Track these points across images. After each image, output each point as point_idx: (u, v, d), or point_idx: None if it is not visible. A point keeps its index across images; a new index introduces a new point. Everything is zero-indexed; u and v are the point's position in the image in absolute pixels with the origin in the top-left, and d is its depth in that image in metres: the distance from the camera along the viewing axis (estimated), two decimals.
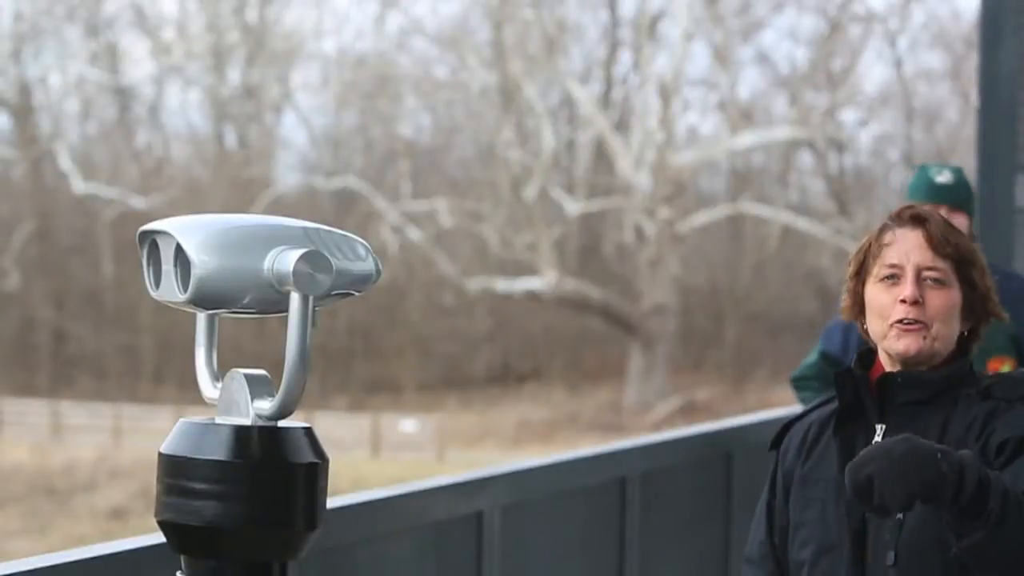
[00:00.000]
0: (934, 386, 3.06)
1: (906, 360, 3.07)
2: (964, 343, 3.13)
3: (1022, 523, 2.78)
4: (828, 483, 3.11)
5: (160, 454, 2.43)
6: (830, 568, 3.08)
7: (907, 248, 3.10)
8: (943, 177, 5.45)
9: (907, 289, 3.07)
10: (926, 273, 3.08)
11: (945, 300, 3.07)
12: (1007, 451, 2.95)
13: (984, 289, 3.12)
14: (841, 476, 3.05)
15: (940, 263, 3.08)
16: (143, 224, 2.51)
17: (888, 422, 3.07)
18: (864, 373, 3.12)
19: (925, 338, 3.06)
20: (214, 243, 2.40)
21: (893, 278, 3.10)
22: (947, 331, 3.08)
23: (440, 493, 4.71)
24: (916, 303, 3.06)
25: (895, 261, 3.10)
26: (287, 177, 46.87)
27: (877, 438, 3.06)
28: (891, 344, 3.08)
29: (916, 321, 3.05)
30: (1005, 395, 3.01)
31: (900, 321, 3.06)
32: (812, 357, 5.90)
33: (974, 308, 3.12)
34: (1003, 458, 2.95)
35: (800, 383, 5.91)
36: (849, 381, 3.11)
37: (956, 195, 5.44)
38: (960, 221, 5.33)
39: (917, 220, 3.12)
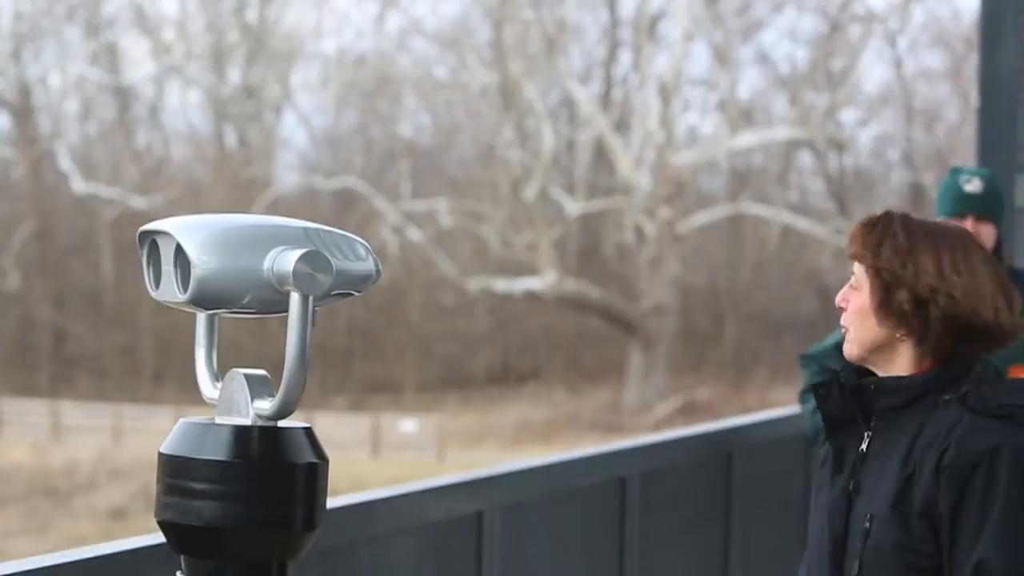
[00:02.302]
0: (908, 392, 2.99)
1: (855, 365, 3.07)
2: (945, 349, 3.01)
3: None
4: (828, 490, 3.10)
5: (160, 454, 2.43)
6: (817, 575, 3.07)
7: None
8: (972, 186, 5.29)
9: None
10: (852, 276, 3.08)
11: (853, 303, 3.04)
12: (954, 481, 2.88)
13: (918, 291, 2.97)
14: (834, 483, 3.04)
15: (854, 265, 3.06)
16: (143, 224, 2.52)
17: (873, 428, 3.04)
18: (852, 380, 3.06)
19: (850, 342, 3.05)
20: (214, 243, 2.40)
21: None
22: (861, 334, 3.01)
23: (440, 493, 4.70)
24: (840, 307, 3.06)
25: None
26: (287, 177, 46.92)
27: (863, 446, 3.04)
28: None
29: (842, 325, 3.06)
30: (976, 405, 2.93)
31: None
32: (829, 341, 5.80)
33: (902, 311, 2.98)
34: (953, 489, 2.88)
35: (804, 360, 5.83)
36: (833, 390, 3.07)
37: (984, 205, 5.29)
38: (987, 231, 5.22)
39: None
